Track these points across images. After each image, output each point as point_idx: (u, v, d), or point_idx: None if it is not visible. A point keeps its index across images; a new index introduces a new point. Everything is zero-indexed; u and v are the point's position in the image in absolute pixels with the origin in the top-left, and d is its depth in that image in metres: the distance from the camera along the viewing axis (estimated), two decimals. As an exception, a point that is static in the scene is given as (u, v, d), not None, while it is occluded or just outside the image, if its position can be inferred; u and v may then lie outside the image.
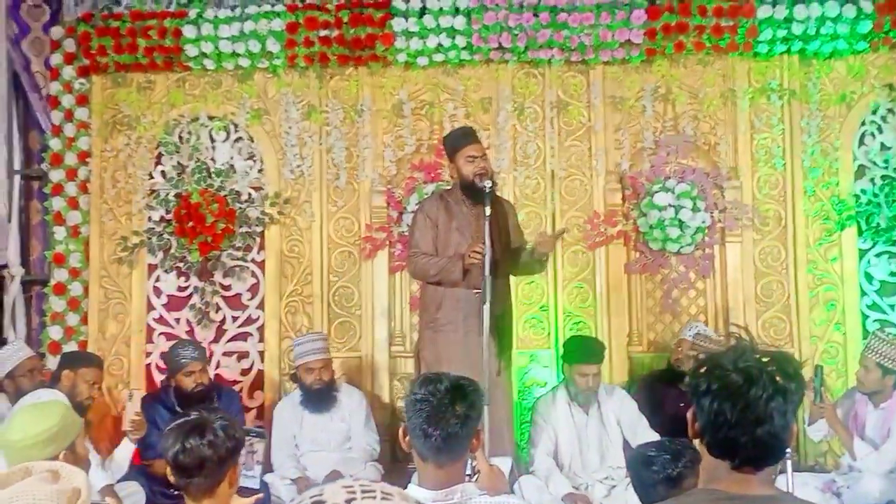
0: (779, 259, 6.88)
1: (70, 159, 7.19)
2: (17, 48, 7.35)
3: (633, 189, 6.93)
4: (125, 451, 5.38)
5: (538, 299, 6.90)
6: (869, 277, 6.92)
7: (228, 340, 7.08)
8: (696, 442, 2.17)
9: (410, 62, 6.93)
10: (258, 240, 7.10)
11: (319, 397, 6.10)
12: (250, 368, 7.07)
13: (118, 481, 5.36)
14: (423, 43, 6.81)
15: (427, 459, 2.71)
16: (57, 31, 7.28)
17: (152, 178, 7.15)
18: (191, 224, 6.90)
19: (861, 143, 6.97)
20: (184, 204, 6.96)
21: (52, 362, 6.55)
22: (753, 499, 2.07)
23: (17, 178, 7.40)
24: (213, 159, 7.14)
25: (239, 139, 7.18)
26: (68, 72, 7.23)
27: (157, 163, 7.18)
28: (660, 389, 6.30)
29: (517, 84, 7.01)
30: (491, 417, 4.82)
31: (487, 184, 5.27)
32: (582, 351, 5.86)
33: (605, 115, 6.97)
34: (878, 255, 6.92)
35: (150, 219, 7.11)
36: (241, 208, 7.03)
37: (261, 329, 7.07)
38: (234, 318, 7.10)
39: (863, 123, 6.96)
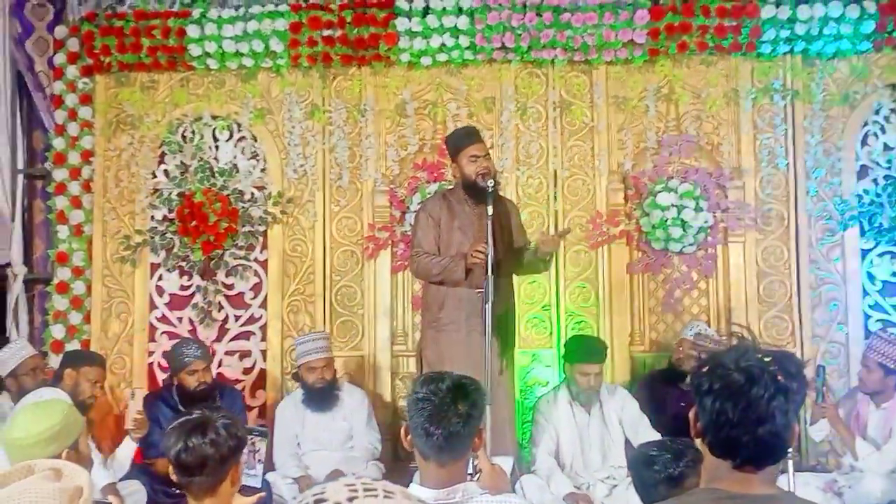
0: (781, 259, 6.87)
1: (73, 158, 7.19)
2: (20, 48, 7.36)
3: (635, 189, 6.93)
4: (127, 449, 5.38)
5: (540, 299, 6.90)
6: (871, 277, 6.92)
7: (231, 339, 7.09)
8: (698, 441, 2.17)
9: (414, 62, 6.93)
10: (261, 239, 7.10)
11: (321, 396, 6.11)
12: (252, 367, 7.07)
13: (120, 480, 5.36)
14: (426, 43, 6.81)
15: (429, 458, 2.72)
16: (61, 31, 7.28)
17: (155, 177, 7.16)
18: (194, 223, 6.91)
19: (864, 143, 6.96)
20: (187, 203, 6.96)
21: (54, 361, 6.55)
22: (755, 498, 2.07)
23: (20, 178, 7.41)
24: (216, 159, 7.15)
25: (242, 138, 7.19)
26: (72, 71, 7.23)
27: (161, 162, 7.18)
28: (661, 389, 6.30)
29: (520, 84, 7.01)
30: (493, 417, 4.82)
31: (490, 183, 5.27)
32: (583, 350, 5.87)
33: (608, 115, 6.97)
34: (880, 256, 6.91)
35: (153, 218, 7.11)
36: (244, 207, 7.03)
37: (263, 328, 7.07)
38: (237, 317, 7.11)
39: (866, 124, 6.95)
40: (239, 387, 6.82)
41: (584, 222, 6.88)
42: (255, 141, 7.17)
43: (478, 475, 3.09)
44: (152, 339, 7.09)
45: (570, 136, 7.00)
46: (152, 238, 7.06)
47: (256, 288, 7.12)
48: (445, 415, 2.69)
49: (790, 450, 2.81)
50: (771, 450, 2.08)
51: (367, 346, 6.94)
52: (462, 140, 5.58)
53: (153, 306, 7.13)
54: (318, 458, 6.04)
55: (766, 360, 2.07)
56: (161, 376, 6.95)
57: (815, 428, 5.76)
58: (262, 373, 7.03)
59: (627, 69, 6.95)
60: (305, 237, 7.05)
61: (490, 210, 5.18)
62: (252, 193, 7.10)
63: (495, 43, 6.79)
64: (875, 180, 6.93)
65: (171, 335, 7.02)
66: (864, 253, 6.90)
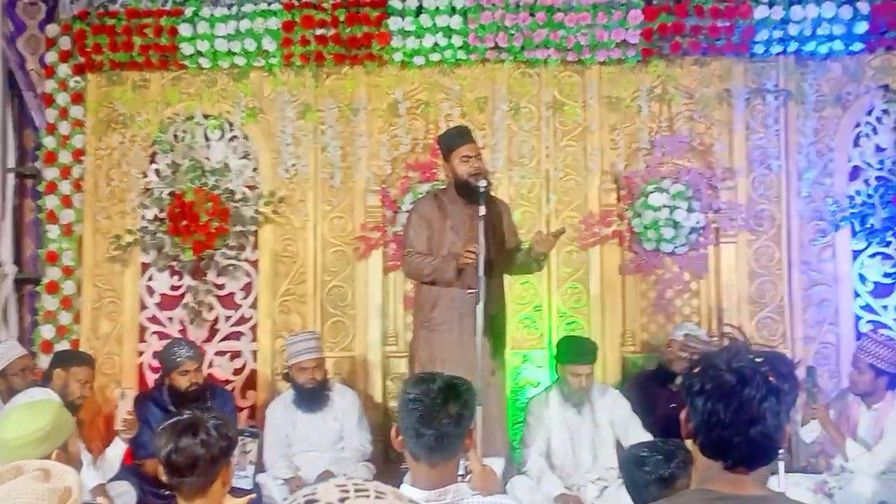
0: (773, 260, 6.88)
1: (64, 157, 7.17)
2: (12, 46, 7.33)
3: (628, 189, 6.93)
4: (116, 450, 5.37)
5: (532, 299, 6.90)
6: (863, 279, 6.92)
7: (221, 340, 7.07)
8: (689, 442, 2.17)
9: (406, 61, 6.92)
10: (252, 239, 7.09)
11: (312, 397, 6.09)
12: (243, 368, 7.06)
13: (109, 481, 5.35)
14: (419, 42, 6.81)
15: (420, 459, 2.71)
16: (52, 29, 7.26)
17: (146, 176, 7.14)
18: (184, 223, 6.89)
19: (856, 144, 6.97)
20: (178, 203, 6.94)
21: (44, 361, 6.52)
22: (746, 499, 2.06)
23: (10, 176, 7.37)
24: (207, 158, 7.13)
25: (234, 138, 7.17)
26: (63, 70, 7.21)
27: (152, 161, 7.16)
28: (650, 390, 6.30)
29: (513, 84, 7.01)
30: (484, 417, 4.82)
31: (482, 183, 5.27)
32: (574, 351, 5.86)
33: (600, 116, 6.97)
34: (871, 257, 6.92)
35: (143, 217, 7.09)
36: (235, 207, 7.01)
37: (254, 328, 7.06)
38: (228, 318, 7.10)
39: (858, 125, 6.96)
40: (229, 387, 6.81)
41: (577, 223, 6.88)
42: (247, 140, 7.15)
43: (469, 476, 3.08)
44: (142, 340, 7.07)
45: (562, 136, 7.00)
46: (143, 238, 7.04)
47: (247, 288, 7.11)
48: (436, 415, 2.68)
49: (781, 451, 2.82)
50: (762, 451, 2.07)
51: (359, 347, 6.93)
52: (454, 140, 5.58)
53: (143, 306, 7.11)
54: (309, 459, 6.02)
55: (758, 360, 2.07)
56: (151, 377, 6.93)
57: (805, 429, 5.77)
58: (253, 373, 7.02)
59: (620, 69, 6.96)
60: (297, 237, 7.04)
61: (482, 210, 5.18)
62: (243, 193, 7.08)
63: (488, 43, 6.79)
64: (867, 181, 6.94)
65: (162, 335, 7.01)
66: (856, 254, 6.91)
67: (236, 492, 3.44)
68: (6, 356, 5.98)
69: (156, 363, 6.78)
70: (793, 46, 6.82)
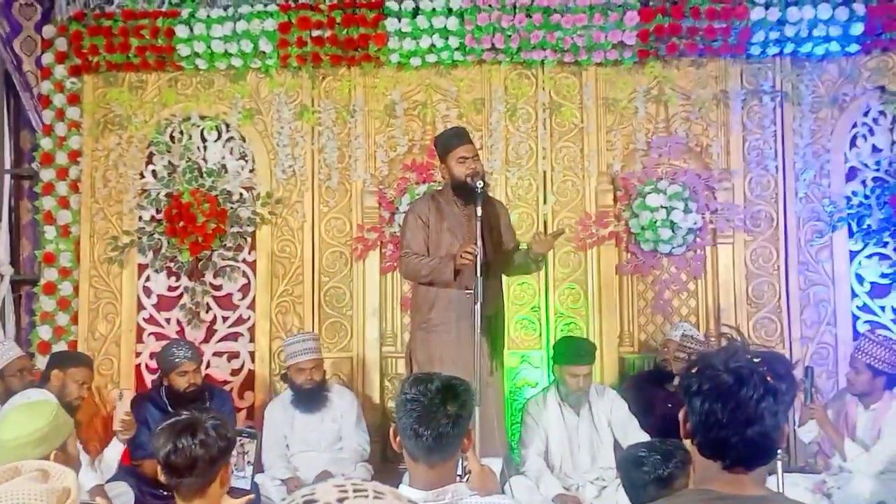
0: (770, 260, 6.89)
1: (61, 158, 7.17)
2: (8, 47, 7.33)
3: (624, 190, 6.93)
4: (114, 451, 5.36)
5: (530, 300, 6.91)
6: (860, 279, 6.93)
7: (219, 340, 7.07)
8: (688, 442, 2.17)
9: (403, 63, 6.92)
10: (249, 240, 7.09)
11: (310, 397, 6.09)
12: (241, 369, 7.06)
13: (107, 481, 5.34)
14: (415, 43, 6.81)
15: (418, 460, 2.71)
16: (49, 31, 7.26)
17: (143, 177, 7.14)
18: (182, 224, 6.89)
19: (853, 144, 6.98)
20: (175, 204, 6.94)
21: (41, 362, 6.52)
22: (745, 499, 2.07)
23: (7, 178, 7.38)
24: (204, 159, 7.13)
25: (231, 139, 7.17)
26: (60, 71, 7.21)
27: (149, 162, 7.16)
28: (647, 390, 6.30)
29: (510, 85, 7.01)
30: (482, 418, 4.82)
31: (479, 184, 5.26)
32: (572, 352, 5.86)
33: (597, 117, 6.97)
34: (868, 257, 6.93)
35: (140, 218, 7.10)
36: (232, 208, 7.01)
37: (251, 329, 7.06)
38: (225, 319, 7.09)
39: (854, 125, 6.97)
40: (227, 388, 6.80)
41: (574, 223, 6.88)
42: (244, 141, 7.15)
43: (467, 476, 3.07)
44: (140, 341, 7.07)
45: (559, 137, 7.00)
46: (140, 239, 7.04)
47: (244, 289, 7.10)
48: (434, 416, 2.68)
49: (779, 451, 2.82)
50: (760, 451, 2.07)
51: (356, 348, 6.93)
52: (451, 141, 5.57)
53: (141, 307, 7.11)
54: (307, 460, 6.02)
55: (756, 361, 2.07)
56: (148, 377, 6.93)
57: (804, 429, 5.77)
58: (251, 374, 7.02)
59: (617, 70, 6.96)
60: (294, 238, 7.04)
61: (479, 211, 5.17)
62: (240, 194, 7.08)
63: (485, 44, 6.79)
64: (864, 182, 6.95)
65: (159, 336, 7.00)
66: (853, 254, 6.92)
67: (235, 492, 3.43)
68: (3, 357, 5.97)
69: (153, 364, 6.77)
70: (789, 48, 6.83)
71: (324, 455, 6.05)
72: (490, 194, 5.87)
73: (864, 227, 6.85)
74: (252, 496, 3.51)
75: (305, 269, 7.00)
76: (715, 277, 6.90)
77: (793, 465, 6.36)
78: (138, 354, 7.05)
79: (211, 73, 7.13)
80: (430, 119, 7.01)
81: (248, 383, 7.02)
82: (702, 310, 6.95)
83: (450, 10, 6.78)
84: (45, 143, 7.19)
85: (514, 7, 6.75)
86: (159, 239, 7.02)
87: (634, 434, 5.67)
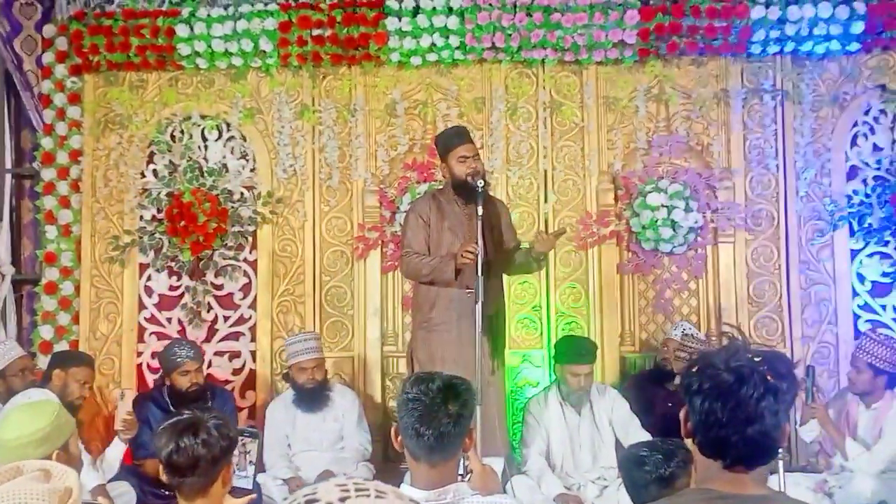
0: (771, 259, 6.89)
1: (62, 158, 7.17)
2: (8, 47, 7.32)
3: (625, 189, 6.93)
4: (116, 450, 5.36)
5: (531, 299, 6.91)
6: (861, 278, 6.93)
7: (220, 340, 7.07)
8: (689, 441, 2.17)
9: (404, 62, 6.92)
10: (250, 239, 7.09)
11: (312, 397, 6.09)
12: (242, 368, 7.06)
13: (109, 481, 5.34)
14: (416, 42, 6.81)
15: (419, 459, 2.71)
16: (49, 30, 7.26)
17: (144, 177, 7.14)
18: (183, 223, 6.89)
19: (854, 143, 6.98)
20: (176, 203, 6.94)
21: (42, 362, 6.52)
22: (746, 498, 2.06)
23: (8, 177, 7.38)
24: (205, 158, 7.13)
25: (231, 138, 7.17)
26: (60, 70, 7.21)
27: (149, 162, 7.16)
28: (648, 389, 6.30)
29: (510, 84, 7.01)
30: (483, 417, 4.82)
31: (480, 183, 5.26)
32: (573, 351, 5.85)
33: (598, 116, 6.97)
34: (869, 256, 6.93)
35: (141, 218, 7.10)
36: (233, 207, 7.02)
37: (252, 329, 7.06)
38: (226, 318, 7.09)
39: (855, 124, 6.97)
40: (228, 387, 6.80)
41: (575, 223, 6.88)
42: (245, 141, 7.15)
43: (469, 476, 3.07)
44: (141, 340, 7.07)
45: (560, 136, 7.00)
46: (141, 238, 7.04)
47: (246, 288, 7.10)
48: (436, 415, 2.68)
49: (781, 450, 2.82)
50: (761, 450, 2.07)
51: (357, 347, 6.93)
52: (452, 140, 5.57)
53: (142, 307, 7.11)
54: (309, 459, 6.02)
55: (757, 360, 2.07)
56: (150, 377, 6.93)
57: (805, 428, 5.76)
58: (252, 373, 7.02)
59: (617, 69, 6.96)
60: (295, 237, 7.04)
61: (480, 210, 5.18)
62: (241, 193, 7.09)
63: (485, 43, 6.79)
64: (864, 181, 6.95)
65: (160, 336, 7.00)
66: (854, 253, 6.92)
67: (236, 492, 3.44)
68: (5, 357, 5.97)
69: (155, 363, 6.77)
70: (789, 46, 6.83)
71: (325, 454, 6.05)
72: (491, 193, 5.88)
73: (865, 225, 6.85)
74: (254, 496, 3.52)
75: (306, 269, 7.00)
76: (716, 276, 6.89)
77: (794, 465, 6.35)
78: (139, 354, 7.05)
79: (211, 73, 7.13)
80: (430, 118, 7.01)
81: (250, 383, 7.02)
82: (703, 309, 6.94)
83: (450, 9, 6.77)
84: (46, 143, 7.19)
85: (515, 6, 6.75)
86: (160, 238, 7.02)
87: (636, 433, 5.67)
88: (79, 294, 7.06)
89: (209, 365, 6.91)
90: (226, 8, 6.97)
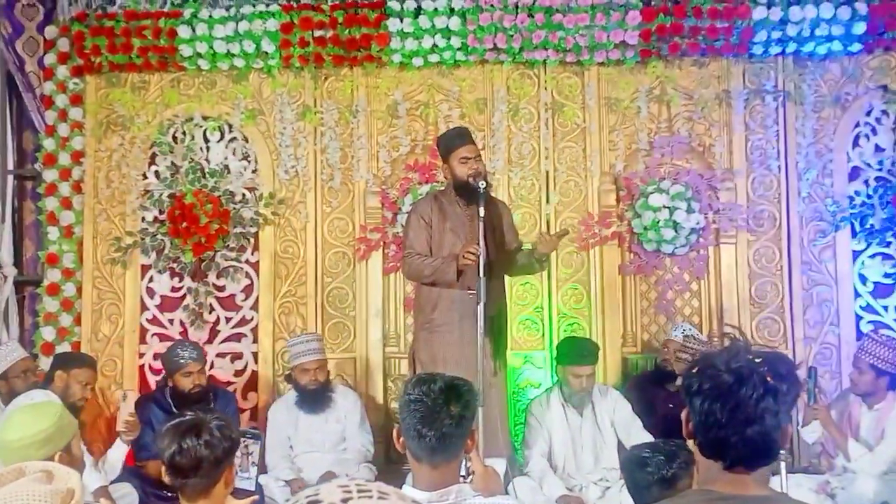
0: (773, 260, 6.88)
1: (64, 159, 7.17)
2: (10, 48, 7.33)
3: (627, 190, 6.93)
4: (118, 452, 5.36)
5: (532, 300, 6.90)
6: (863, 279, 6.93)
7: (222, 341, 7.07)
8: (690, 442, 2.17)
9: (405, 63, 6.92)
10: (252, 240, 7.09)
11: (314, 398, 6.09)
12: (244, 369, 7.05)
13: (111, 482, 5.34)
14: (418, 43, 6.81)
15: (421, 460, 2.71)
16: (51, 31, 7.27)
17: (146, 178, 7.15)
18: (185, 224, 6.89)
19: (855, 144, 6.97)
20: (178, 204, 6.94)
21: (45, 363, 6.53)
22: (747, 499, 2.06)
23: (10, 178, 7.39)
24: (207, 160, 7.13)
25: (233, 139, 7.17)
26: (62, 71, 7.22)
27: (151, 163, 7.17)
28: (649, 391, 6.30)
29: (512, 85, 7.01)
30: (485, 418, 4.82)
31: (481, 184, 5.26)
32: (575, 352, 5.85)
33: (599, 117, 6.97)
34: (871, 257, 6.92)
35: (143, 219, 7.10)
36: (235, 209, 7.02)
37: (254, 330, 7.06)
38: (228, 319, 7.09)
39: (857, 125, 6.96)
40: (230, 389, 6.80)
41: (576, 224, 6.88)
42: (247, 142, 7.15)
43: (471, 477, 3.07)
44: (143, 341, 7.07)
45: (561, 137, 7.00)
46: (143, 239, 7.04)
47: (248, 290, 7.11)
48: (438, 416, 2.68)
49: (783, 451, 2.81)
50: (761, 451, 2.07)
51: (359, 348, 6.93)
52: (453, 141, 5.57)
53: (144, 308, 7.11)
54: (311, 460, 6.02)
55: (757, 361, 2.07)
56: (152, 378, 6.93)
57: (807, 430, 5.76)
58: (254, 375, 7.02)
59: (619, 70, 6.96)
60: (297, 238, 7.04)
61: (482, 211, 5.17)
62: (243, 194, 7.09)
63: (487, 44, 6.79)
64: (866, 182, 6.95)
65: (162, 337, 7.01)
66: (856, 254, 6.91)
67: (239, 493, 3.44)
68: (7, 358, 5.98)
69: (157, 365, 6.78)
70: (791, 47, 6.83)
71: (327, 456, 6.05)
72: (492, 194, 5.87)
73: (867, 226, 6.85)
74: (256, 497, 3.52)
75: (308, 270, 7.00)
76: (718, 278, 6.89)
77: (796, 466, 6.35)
78: (142, 355, 7.05)
79: (213, 74, 7.13)
80: (432, 119, 7.01)
81: (252, 384, 7.02)
82: (705, 310, 6.94)
83: (452, 10, 6.78)
84: (48, 144, 7.19)
85: (517, 7, 6.75)
86: (162, 240, 7.02)
87: (638, 434, 5.67)
88: (81, 295, 7.07)
89: (211, 366, 6.91)
90: (227, 9, 6.98)
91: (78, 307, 7.07)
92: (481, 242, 5.12)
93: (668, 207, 6.74)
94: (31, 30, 7.39)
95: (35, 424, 3.29)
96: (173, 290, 7.11)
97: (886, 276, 6.91)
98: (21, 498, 1.87)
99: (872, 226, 6.83)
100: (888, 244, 6.88)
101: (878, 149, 6.96)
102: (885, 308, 6.90)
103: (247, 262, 7.10)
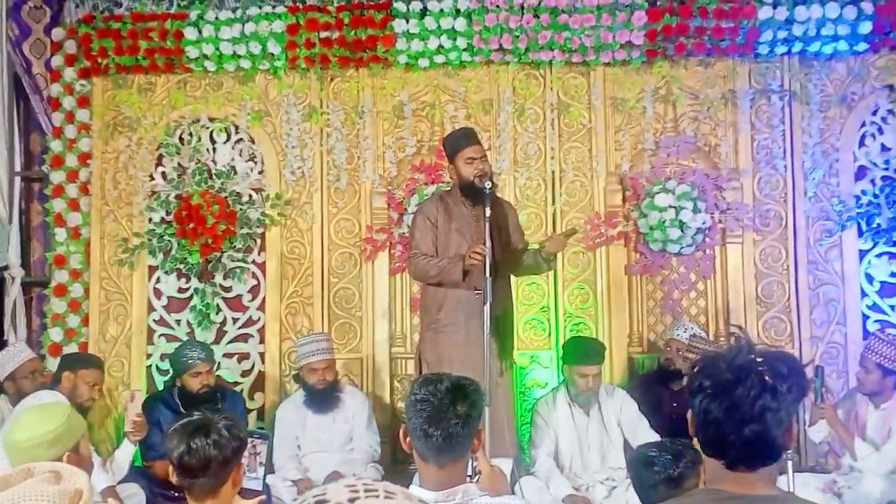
0: (779, 260, 6.88)
1: (71, 161, 7.19)
2: (18, 50, 7.35)
3: (633, 190, 6.93)
4: (126, 452, 5.37)
5: (539, 300, 6.91)
6: (869, 278, 6.92)
7: (229, 342, 7.08)
8: (696, 441, 2.18)
9: (411, 63, 6.93)
10: (259, 241, 7.10)
11: (323, 398, 6.10)
12: (251, 370, 7.06)
13: (119, 483, 5.35)
14: (423, 44, 6.81)
15: (428, 460, 2.71)
16: (58, 33, 7.28)
17: (153, 179, 7.16)
18: (191, 226, 6.90)
19: (861, 143, 6.97)
20: (184, 205, 6.96)
21: (52, 364, 6.54)
22: (754, 499, 2.06)
23: (17, 180, 7.40)
24: (213, 161, 7.15)
25: (240, 141, 7.18)
26: (69, 73, 7.23)
27: (158, 164, 7.18)
28: (654, 390, 6.30)
29: (518, 85, 7.01)
30: (492, 418, 4.82)
31: (487, 185, 5.26)
32: (581, 352, 5.86)
33: (605, 117, 6.97)
34: (878, 256, 6.92)
35: (150, 220, 7.11)
36: (241, 210, 7.03)
37: (261, 330, 7.07)
38: (235, 320, 7.10)
39: (863, 124, 6.96)
40: (237, 389, 6.81)
41: (582, 224, 6.88)
42: (253, 143, 7.16)
43: (477, 477, 3.08)
44: (150, 342, 7.08)
45: (567, 137, 7.00)
46: (150, 240, 7.05)
47: (254, 290, 7.11)
48: (444, 416, 2.68)
49: (789, 451, 2.81)
50: (760, 450, 2.06)
51: (366, 348, 6.94)
52: (459, 142, 5.57)
53: (151, 309, 7.12)
54: (318, 460, 6.03)
55: (758, 360, 2.07)
56: (159, 379, 6.94)
57: (814, 429, 5.76)
58: (261, 375, 7.02)
59: (625, 70, 6.96)
60: (303, 239, 7.05)
61: (488, 211, 5.18)
62: (250, 195, 7.10)
63: (493, 44, 6.79)
64: (873, 181, 6.94)
65: (170, 338, 7.02)
66: (863, 254, 6.91)
67: (246, 493, 3.44)
68: (15, 359, 6.01)
69: (164, 365, 6.79)
70: (797, 47, 6.82)
71: (335, 456, 6.06)
72: (498, 195, 5.87)
73: (874, 226, 6.84)
74: (263, 497, 3.52)
75: (315, 271, 7.01)
76: (724, 277, 6.89)
77: (803, 465, 6.35)
78: (149, 356, 7.07)
79: (220, 75, 7.14)
80: (438, 120, 7.02)
81: (259, 384, 7.02)
82: (711, 310, 6.94)
83: (458, 11, 6.78)
84: (55, 146, 7.21)
85: (522, 7, 6.75)
86: (169, 241, 7.03)
87: (644, 434, 5.66)
88: (88, 296, 7.08)
89: (218, 367, 6.91)
90: (234, 10, 6.99)
91: (85, 308, 7.08)
92: (487, 243, 5.12)
93: (674, 207, 6.73)
94: (38, 32, 7.41)
95: (43, 425, 3.30)
96: (180, 290, 7.12)
97: (893, 275, 6.91)
98: (29, 498, 1.88)
99: (879, 225, 6.82)
100: (894, 243, 6.87)
101: (884, 148, 6.96)
102: (892, 307, 6.89)
103: (253, 262, 7.11)
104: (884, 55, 6.89)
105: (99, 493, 4.97)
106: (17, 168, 7.42)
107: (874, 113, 6.95)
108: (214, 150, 7.17)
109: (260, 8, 6.96)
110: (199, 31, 6.95)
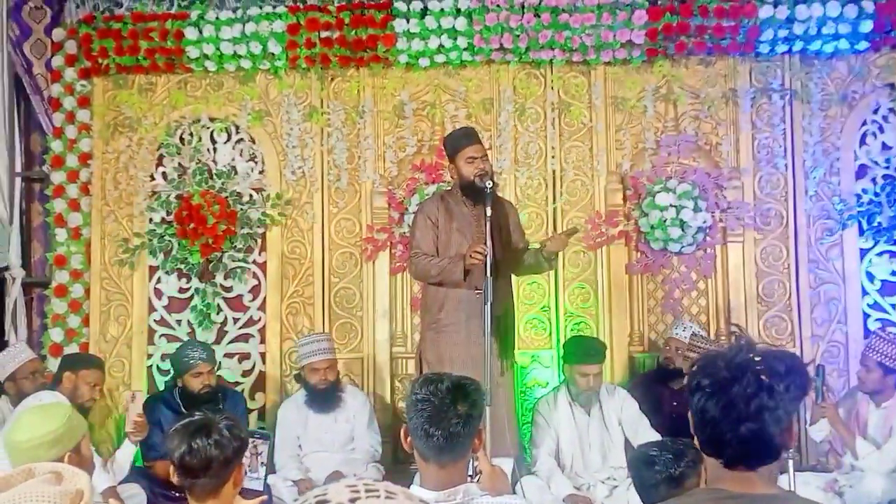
0: (780, 258, 6.88)
1: (71, 161, 7.19)
2: (18, 50, 7.35)
3: (634, 189, 6.93)
4: (126, 452, 5.37)
5: (539, 300, 6.91)
6: (870, 277, 6.92)
7: (230, 342, 7.07)
8: (696, 440, 2.18)
9: (412, 63, 6.93)
10: (259, 241, 7.10)
11: (324, 397, 6.10)
12: (252, 370, 7.06)
13: (120, 483, 5.35)
14: (424, 44, 6.81)
15: (429, 460, 2.71)
16: (58, 33, 7.28)
17: (153, 179, 7.16)
18: (192, 226, 6.90)
19: (862, 142, 6.96)
20: (185, 205, 6.96)
21: (53, 364, 6.54)
22: (755, 498, 2.06)
23: (18, 181, 7.40)
24: (214, 161, 7.14)
25: (240, 141, 7.18)
26: (70, 74, 7.23)
27: (159, 164, 7.18)
28: (654, 389, 6.30)
29: (518, 85, 7.01)
30: (493, 418, 4.82)
31: (488, 184, 5.26)
32: (582, 351, 5.86)
33: (606, 116, 6.97)
34: (879, 255, 6.92)
35: (151, 220, 7.10)
36: (242, 210, 7.03)
37: (262, 330, 7.07)
38: (236, 320, 7.10)
39: (864, 123, 6.96)
40: (238, 389, 6.81)
41: (583, 223, 6.87)
42: (254, 143, 7.16)
43: (478, 476, 3.08)
44: (151, 342, 7.08)
45: (568, 136, 7.00)
46: (150, 241, 7.05)
47: (255, 290, 7.11)
48: (445, 416, 2.68)
49: (790, 450, 2.81)
50: (757, 448, 2.06)
51: (367, 348, 6.94)
52: (460, 141, 5.57)
53: (152, 309, 7.11)
54: (319, 460, 6.03)
55: (756, 359, 2.06)
56: (160, 379, 6.94)
57: (815, 428, 5.76)
58: (262, 375, 7.02)
59: (626, 69, 6.96)
60: (304, 239, 7.05)
61: (489, 211, 5.18)
62: (250, 195, 7.10)
63: (493, 44, 6.79)
64: (874, 180, 6.94)
65: (170, 338, 7.02)
66: (863, 252, 6.91)
67: (247, 493, 3.45)
68: (16, 360, 6.01)
69: (165, 365, 6.79)
70: (798, 45, 6.82)
71: (336, 456, 6.06)
72: (499, 194, 5.87)
73: (875, 224, 6.84)
74: (265, 497, 3.52)
75: (315, 271, 7.01)
76: (725, 276, 6.89)
77: (804, 464, 6.34)
78: (150, 356, 7.07)
79: (220, 75, 7.14)
80: (438, 119, 7.01)
81: (260, 384, 7.02)
82: (712, 309, 6.94)
83: (458, 11, 6.78)
84: (56, 146, 7.21)
85: (523, 7, 6.75)
86: (170, 241, 7.03)
87: (645, 433, 5.66)
88: (89, 297, 7.08)
89: (219, 367, 6.91)
90: (234, 10, 6.99)
91: (86, 308, 7.08)
92: (488, 242, 5.12)
93: (675, 206, 6.73)
94: (39, 32, 7.41)
95: (44, 425, 3.30)
96: (181, 290, 7.12)
97: (894, 273, 6.90)
98: (30, 499, 1.88)
99: (880, 224, 6.82)
100: (895, 242, 6.86)
101: (885, 147, 6.95)
102: (893, 306, 6.89)
103: (254, 262, 7.11)
104: (885, 54, 6.89)
105: (100, 494, 4.97)
106: (18, 168, 7.42)
107: (875, 111, 6.95)
108: (215, 150, 7.17)
109: (260, 8, 6.96)
110: (200, 31, 6.95)
